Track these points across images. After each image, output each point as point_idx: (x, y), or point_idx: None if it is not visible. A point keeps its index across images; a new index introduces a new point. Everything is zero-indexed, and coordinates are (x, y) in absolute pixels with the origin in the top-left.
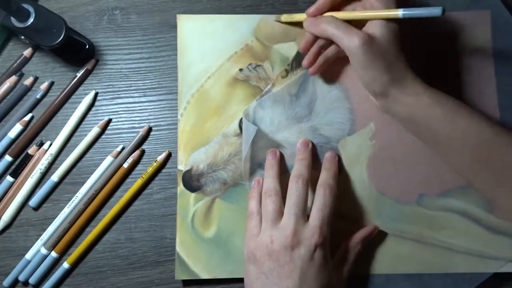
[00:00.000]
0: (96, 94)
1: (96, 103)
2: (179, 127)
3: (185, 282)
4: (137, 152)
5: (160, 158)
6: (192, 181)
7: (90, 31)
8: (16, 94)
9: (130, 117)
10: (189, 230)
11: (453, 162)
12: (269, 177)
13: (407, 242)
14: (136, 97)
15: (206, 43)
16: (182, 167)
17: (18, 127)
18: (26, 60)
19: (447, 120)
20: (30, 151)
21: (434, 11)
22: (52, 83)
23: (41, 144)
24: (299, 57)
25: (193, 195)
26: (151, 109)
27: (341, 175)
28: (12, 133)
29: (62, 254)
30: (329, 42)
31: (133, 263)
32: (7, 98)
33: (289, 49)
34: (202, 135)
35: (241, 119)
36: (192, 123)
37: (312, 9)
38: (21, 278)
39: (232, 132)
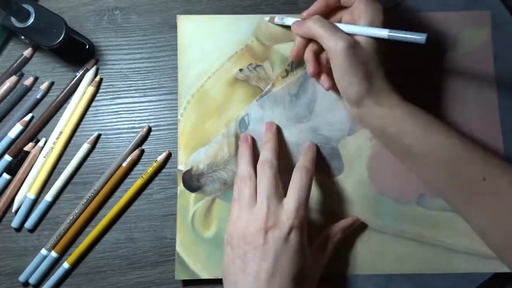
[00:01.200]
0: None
1: (96, 103)
2: (179, 127)
3: (185, 282)
4: (136, 152)
5: (160, 158)
6: (192, 181)
7: (90, 31)
8: (16, 94)
9: (130, 117)
10: (189, 230)
11: (424, 176)
12: (242, 163)
13: (407, 242)
14: (136, 97)
15: (206, 43)
16: (182, 167)
17: (18, 127)
18: (26, 60)
19: (419, 134)
20: (26, 147)
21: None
22: (52, 83)
23: (37, 141)
24: None
25: (193, 195)
26: (151, 109)
27: (341, 175)
28: (12, 133)
29: (62, 254)
30: (320, 46)
31: (133, 263)
32: (7, 98)
33: (289, 49)
34: (202, 135)
35: (241, 119)
36: (192, 123)
37: (304, 13)
38: (21, 279)
39: (232, 132)
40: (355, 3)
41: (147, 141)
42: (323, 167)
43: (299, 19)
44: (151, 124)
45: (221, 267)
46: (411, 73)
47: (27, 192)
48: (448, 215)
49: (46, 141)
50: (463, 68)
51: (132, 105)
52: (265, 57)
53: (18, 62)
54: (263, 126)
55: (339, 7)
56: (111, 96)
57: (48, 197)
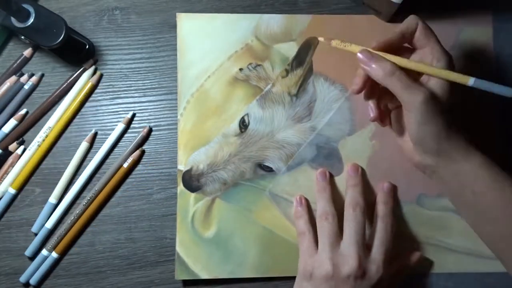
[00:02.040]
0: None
1: (96, 103)
2: (179, 127)
3: (185, 282)
4: (137, 152)
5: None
6: (192, 181)
7: (90, 31)
8: (11, 92)
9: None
10: (189, 230)
11: (484, 230)
12: (323, 199)
13: (407, 242)
14: (136, 97)
15: (206, 42)
16: (182, 167)
17: (12, 122)
18: (26, 60)
19: (494, 185)
20: (11, 147)
21: (508, 91)
22: (42, 75)
23: (21, 142)
24: (299, 57)
25: (193, 195)
26: (151, 109)
27: (341, 175)
28: (6, 128)
29: (63, 254)
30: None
31: (133, 263)
32: (6, 98)
33: (289, 49)
34: (202, 135)
35: (242, 118)
36: (192, 123)
37: (374, 44)
38: (22, 279)
39: (232, 132)
40: (430, 45)
41: (147, 142)
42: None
43: (365, 48)
44: (151, 124)
45: None
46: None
47: (7, 187)
48: (447, 215)
49: (24, 149)
50: (463, 68)
51: (132, 105)
52: (265, 57)
53: (18, 62)
54: (264, 126)
55: (404, 48)
56: (111, 96)
57: (52, 199)
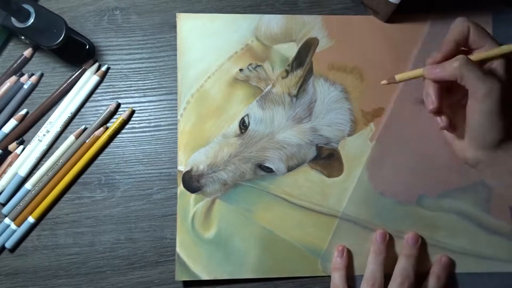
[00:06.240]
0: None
1: (96, 103)
2: (179, 127)
3: (185, 283)
4: (101, 129)
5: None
6: (192, 182)
7: (90, 31)
8: (11, 92)
9: (130, 118)
10: (189, 231)
11: None
12: (375, 263)
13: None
14: (136, 97)
15: (206, 43)
16: (182, 167)
17: (12, 122)
18: (26, 60)
19: None
20: (10, 147)
21: None
22: (41, 75)
23: (21, 142)
24: (299, 57)
25: (193, 196)
26: (151, 109)
27: (341, 176)
28: (6, 128)
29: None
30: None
31: (133, 263)
32: (6, 98)
33: (290, 50)
34: (202, 136)
35: (242, 119)
36: (192, 124)
37: (438, 56)
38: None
39: (232, 132)
40: (487, 45)
41: (147, 141)
42: (323, 168)
43: (427, 67)
44: (151, 124)
45: None
46: None
47: (6, 186)
48: (447, 215)
49: (23, 149)
50: None
51: (132, 105)
52: (265, 57)
53: (18, 62)
54: (264, 127)
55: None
56: (111, 96)
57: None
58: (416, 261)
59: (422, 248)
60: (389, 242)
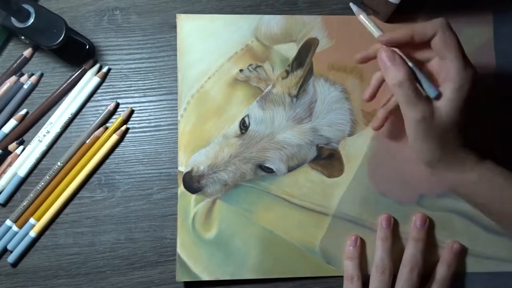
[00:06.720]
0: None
1: (96, 103)
2: (179, 128)
3: (186, 283)
4: (100, 129)
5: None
6: (193, 183)
7: (90, 31)
8: (11, 92)
9: (130, 118)
10: (190, 232)
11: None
12: (383, 250)
13: (406, 242)
14: (136, 97)
15: (206, 43)
16: (182, 168)
17: (12, 122)
18: (26, 60)
19: (494, 197)
20: (10, 147)
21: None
22: (41, 75)
23: (21, 142)
24: (299, 58)
25: (193, 196)
26: (151, 109)
27: (341, 176)
28: (6, 128)
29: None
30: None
31: (133, 263)
32: (6, 98)
33: (290, 50)
34: (202, 136)
35: (242, 120)
36: (192, 124)
37: (383, 38)
38: None
39: (232, 133)
40: (446, 61)
41: (147, 141)
42: (323, 168)
43: (388, 48)
44: (152, 124)
45: None
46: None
47: (5, 185)
48: (447, 215)
49: (23, 149)
50: None
51: (132, 105)
52: (266, 58)
53: (18, 62)
54: (264, 127)
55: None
56: (111, 97)
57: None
58: (424, 245)
59: (431, 230)
60: (393, 227)
